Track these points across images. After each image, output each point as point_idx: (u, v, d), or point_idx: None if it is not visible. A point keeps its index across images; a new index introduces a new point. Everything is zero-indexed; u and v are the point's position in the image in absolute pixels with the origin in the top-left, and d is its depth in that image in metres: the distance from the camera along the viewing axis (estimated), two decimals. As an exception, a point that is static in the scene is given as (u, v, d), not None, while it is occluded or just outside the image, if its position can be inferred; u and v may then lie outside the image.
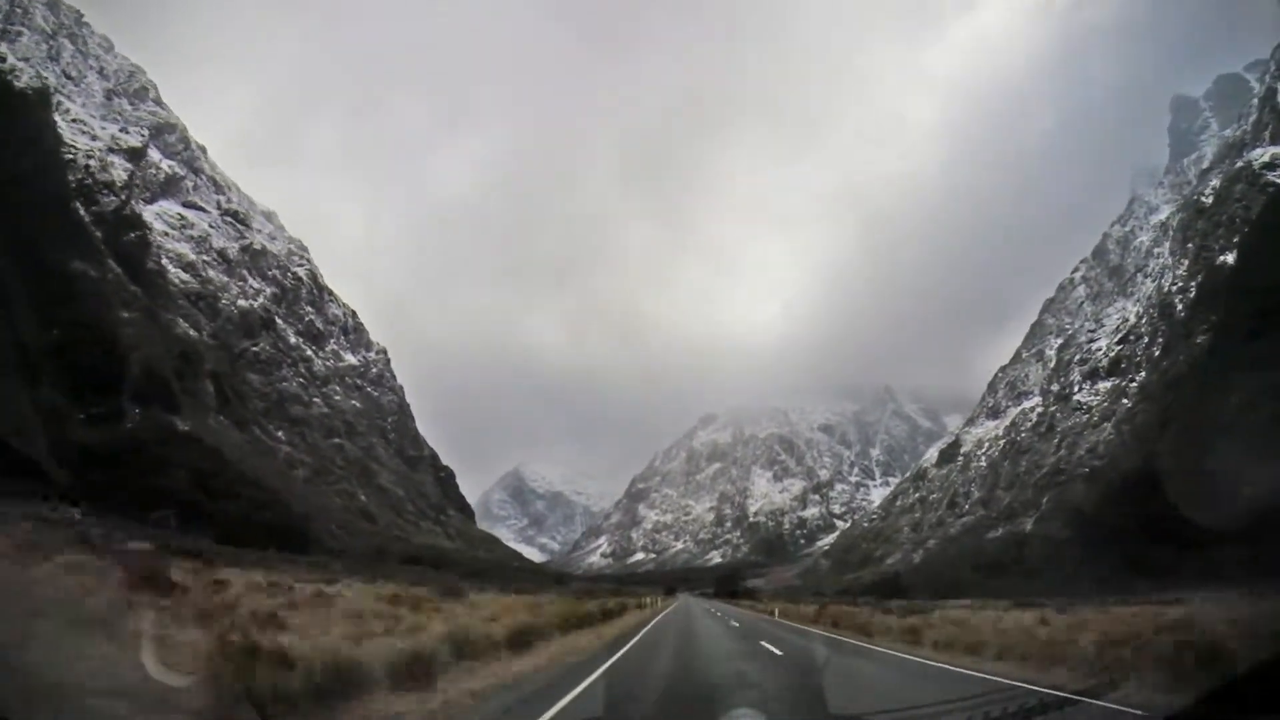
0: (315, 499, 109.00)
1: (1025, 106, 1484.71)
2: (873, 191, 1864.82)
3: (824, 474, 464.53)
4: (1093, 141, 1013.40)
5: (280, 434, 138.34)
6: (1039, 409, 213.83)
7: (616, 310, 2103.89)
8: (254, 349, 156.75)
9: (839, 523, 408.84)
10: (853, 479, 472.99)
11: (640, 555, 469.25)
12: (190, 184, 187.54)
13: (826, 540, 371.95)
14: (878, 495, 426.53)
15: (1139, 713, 7.46)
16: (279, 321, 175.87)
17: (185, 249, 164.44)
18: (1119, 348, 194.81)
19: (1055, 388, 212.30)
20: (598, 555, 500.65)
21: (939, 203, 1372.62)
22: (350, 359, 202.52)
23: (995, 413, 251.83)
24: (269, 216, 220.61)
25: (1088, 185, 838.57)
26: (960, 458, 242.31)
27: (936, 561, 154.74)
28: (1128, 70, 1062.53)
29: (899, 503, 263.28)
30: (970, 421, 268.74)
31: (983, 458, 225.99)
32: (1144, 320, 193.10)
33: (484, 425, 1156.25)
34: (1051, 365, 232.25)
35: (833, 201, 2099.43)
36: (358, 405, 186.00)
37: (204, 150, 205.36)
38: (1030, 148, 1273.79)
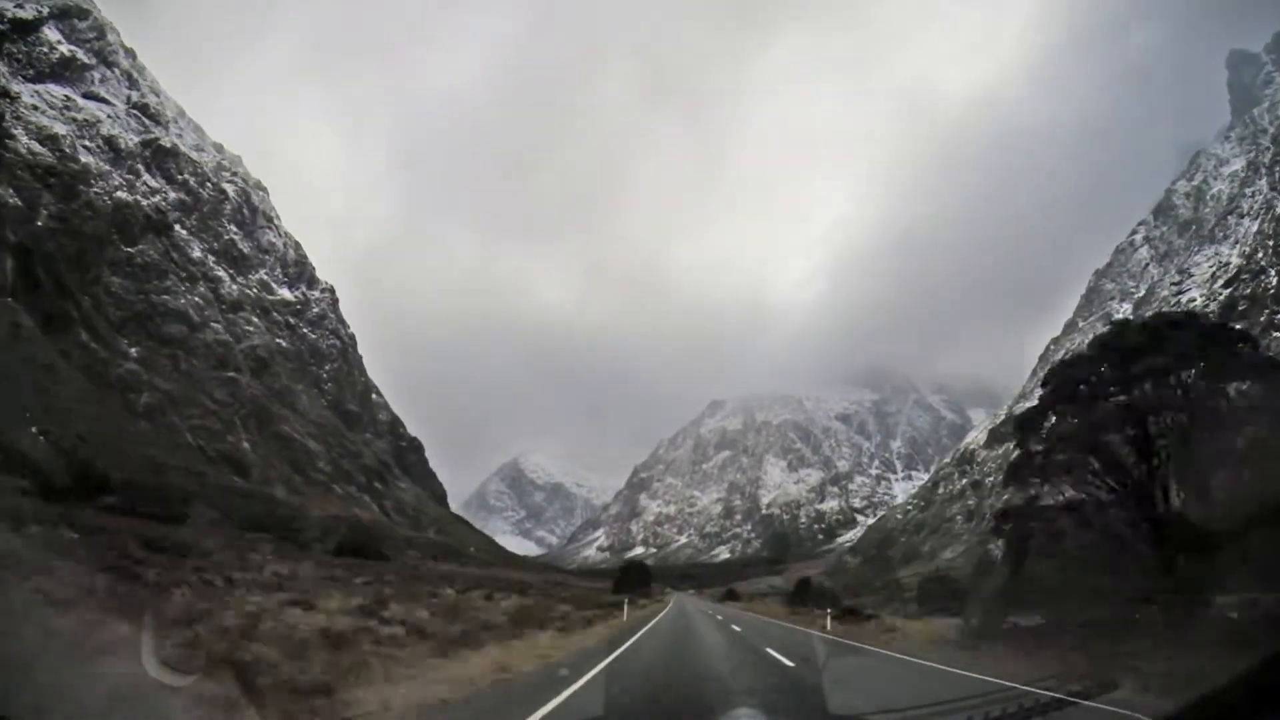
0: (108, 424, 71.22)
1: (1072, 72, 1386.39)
2: (925, 132, 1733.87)
3: (843, 465, 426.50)
4: (1130, 113, 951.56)
5: (133, 350, 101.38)
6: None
7: (629, 264, 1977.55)
8: (128, 249, 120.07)
9: (860, 517, 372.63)
10: (873, 471, 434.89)
11: (640, 549, 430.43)
12: (97, 76, 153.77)
13: (849, 535, 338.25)
14: (900, 489, 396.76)
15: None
16: (180, 230, 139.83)
17: (59, 127, 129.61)
18: (1226, 291, 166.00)
19: None
20: (594, 549, 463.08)
21: (984, 167, 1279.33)
22: (285, 293, 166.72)
23: None
24: (218, 148, 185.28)
25: (1125, 158, 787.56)
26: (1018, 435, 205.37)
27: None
28: (1172, 33, 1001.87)
29: (941, 490, 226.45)
30: (1023, 397, 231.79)
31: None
32: (1260, 256, 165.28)
33: (482, 410, 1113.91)
34: None
35: (878, 141, 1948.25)
36: (283, 344, 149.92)
37: (133, 53, 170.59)
38: (1071, 118, 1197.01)
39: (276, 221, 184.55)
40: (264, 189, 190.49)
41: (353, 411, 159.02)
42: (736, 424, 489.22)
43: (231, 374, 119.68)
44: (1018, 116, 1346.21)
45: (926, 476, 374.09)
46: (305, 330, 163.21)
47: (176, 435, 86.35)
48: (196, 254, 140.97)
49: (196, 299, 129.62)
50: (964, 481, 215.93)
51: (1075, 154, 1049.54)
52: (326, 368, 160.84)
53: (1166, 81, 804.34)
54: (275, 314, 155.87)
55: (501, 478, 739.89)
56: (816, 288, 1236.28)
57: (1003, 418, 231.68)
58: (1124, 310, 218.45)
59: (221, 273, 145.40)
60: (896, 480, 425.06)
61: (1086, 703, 8.09)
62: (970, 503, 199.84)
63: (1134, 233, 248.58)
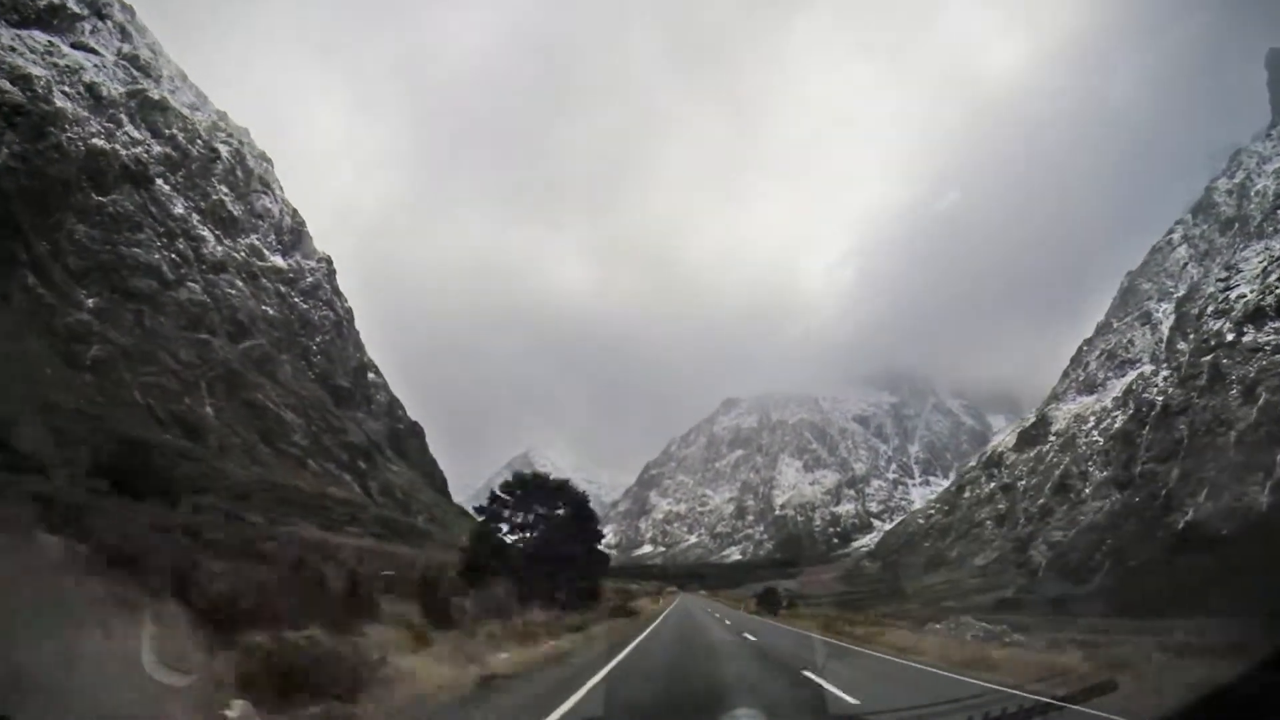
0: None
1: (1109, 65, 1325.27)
2: (957, 119, 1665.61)
3: (859, 468, 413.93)
4: (1161, 114, 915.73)
5: (89, 300, 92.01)
6: (1164, 371, 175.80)
7: (647, 249, 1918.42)
8: (100, 198, 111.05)
9: (876, 522, 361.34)
10: (890, 475, 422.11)
11: (648, 548, 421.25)
12: (88, 26, 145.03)
13: (865, 540, 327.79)
14: (917, 495, 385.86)
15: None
16: (162, 184, 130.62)
17: (35, 69, 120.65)
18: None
19: (1184, 346, 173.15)
20: (600, 545, 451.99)
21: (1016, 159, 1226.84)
22: (278, 261, 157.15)
23: (1090, 386, 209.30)
24: (222, 116, 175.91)
25: (1154, 159, 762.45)
26: (1053, 437, 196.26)
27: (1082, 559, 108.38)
28: (1205, 34, 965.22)
29: (967, 494, 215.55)
30: (1055, 399, 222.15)
31: (1094, 432, 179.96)
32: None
33: (493, 401, 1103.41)
34: (1169, 324, 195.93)
35: (909, 128, 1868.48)
36: (270, 311, 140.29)
37: (131, 10, 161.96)
38: (1103, 115, 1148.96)
39: (275, 188, 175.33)
40: (269, 160, 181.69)
41: (343, 387, 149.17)
42: (751, 422, 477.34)
43: (204, 336, 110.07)
44: (1046, 110, 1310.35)
45: (945, 482, 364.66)
46: (297, 299, 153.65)
47: (122, 391, 76.69)
48: (179, 210, 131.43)
49: (173, 256, 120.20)
50: (992, 485, 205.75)
51: (1103, 153, 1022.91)
52: (317, 339, 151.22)
53: (1199, 82, 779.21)
54: (265, 280, 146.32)
55: (510, 471, 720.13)
56: (838, 284, 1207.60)
57: (1033, 420, 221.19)
58: (1164, 309, 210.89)
59: (206, 232, 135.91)
60: (914, 485, 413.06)
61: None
62: (1000, 507, 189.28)
63: (1170, 232, 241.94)
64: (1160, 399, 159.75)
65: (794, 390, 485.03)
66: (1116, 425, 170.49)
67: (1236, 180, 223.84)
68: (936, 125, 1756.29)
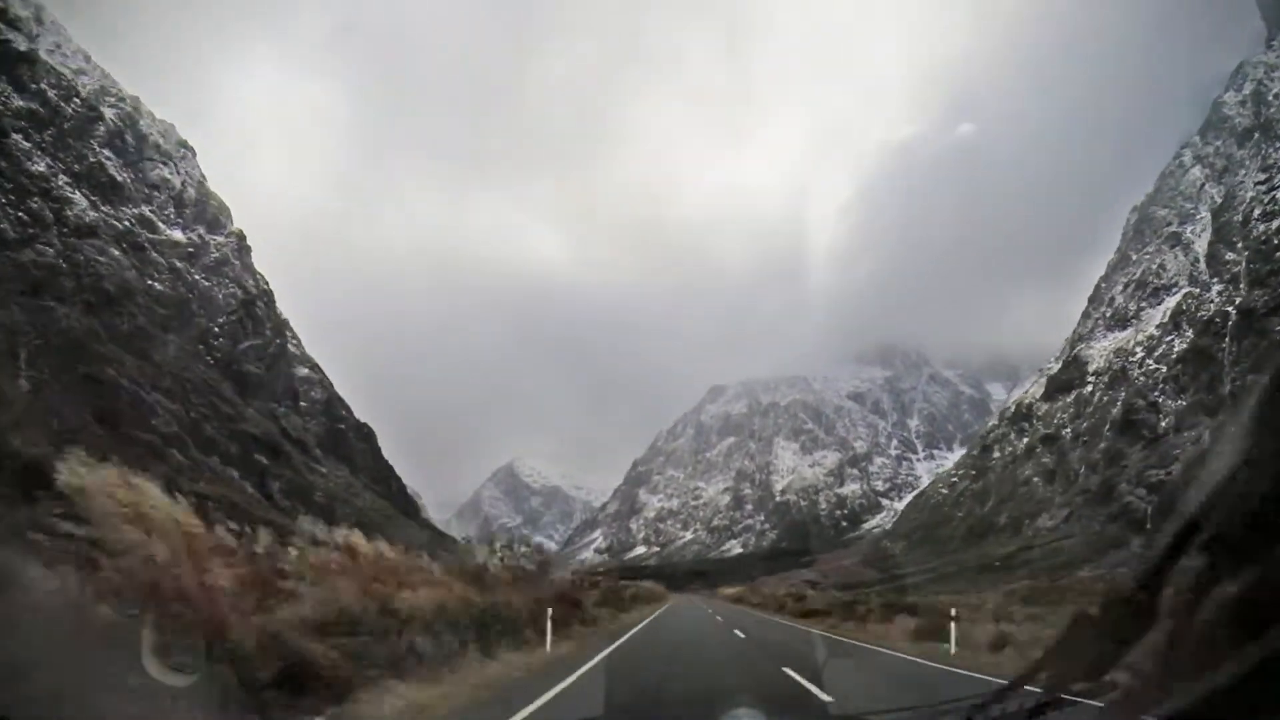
0: None
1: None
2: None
3: (860, 446, 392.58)
4: (1148, 55, 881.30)
5: None
6: (1216, 284, 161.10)
7: (630, 219, 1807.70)
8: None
9: (884, 500, 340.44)
10: (893, 451, 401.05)
11: (641, 549, 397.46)
12: None
13: (876, 520, 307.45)
14: (923, 469, 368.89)
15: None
16: (20, 140, 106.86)
17: None
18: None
19: (1232, 256, 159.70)
20: (591, 551, 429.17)
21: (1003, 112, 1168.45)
22: (175, 234, 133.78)
23: (1122, 320, 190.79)
24: (136, 100, 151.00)
25: (1135, 106, 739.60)
26: (1092, 377, 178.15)
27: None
28: None
29: (997, 454, 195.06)
30: (1080, 340, 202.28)
31: (1149, 361, 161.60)
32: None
33: (473, 410, 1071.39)
34: (1206, 240, 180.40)
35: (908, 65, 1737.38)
36: (159, 286, 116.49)
37: None
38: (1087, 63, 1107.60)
39: (178, 162, 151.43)
40: (190, 148, 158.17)
41: (253, 374, 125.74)
42: (740, 408, 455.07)
43: (51, 304, 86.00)
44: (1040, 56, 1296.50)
45: (950, 454, 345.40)
46: (197, 277, 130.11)
47: None
48: (39, 169, 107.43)
49: (21, 214, 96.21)
50: (1026, 440, 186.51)
51: (1088, 99, 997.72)
52: (220, 320, 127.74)
53: (1173, 25, 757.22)
54: (155, 253, 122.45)
55: (496, 483, 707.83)
56: (832, 247, 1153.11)
57: (1059, 365, 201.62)
58: (1191, 230, 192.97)
59: (76, 195, 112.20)
60: (918, 460, 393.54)
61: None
62: (1046, 460, 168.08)
63: (1179, 156, 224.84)
64: (1231, 309, 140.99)
65: (783, 372, 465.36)
66: (1177, 348, 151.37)
67: (1246, 91, 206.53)
68: (942, 50, 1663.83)
